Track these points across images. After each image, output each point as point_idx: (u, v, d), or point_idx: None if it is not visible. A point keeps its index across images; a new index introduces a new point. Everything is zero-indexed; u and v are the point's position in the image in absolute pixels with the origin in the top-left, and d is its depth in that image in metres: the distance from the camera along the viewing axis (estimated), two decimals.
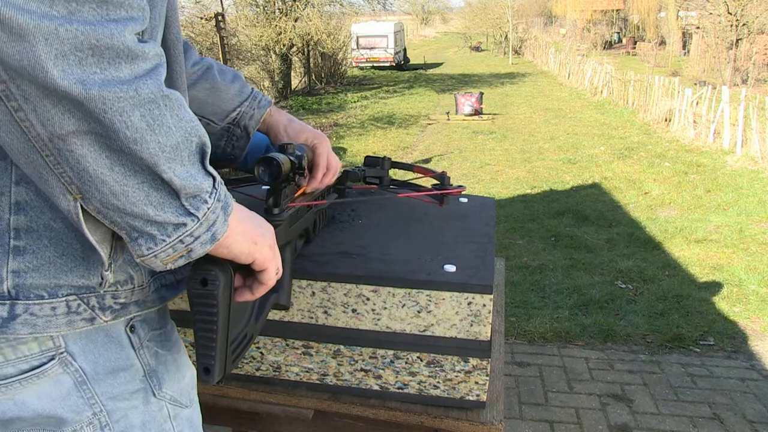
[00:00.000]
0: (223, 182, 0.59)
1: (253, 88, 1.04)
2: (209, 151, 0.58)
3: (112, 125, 0.48)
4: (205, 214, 0.56)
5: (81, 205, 0.52)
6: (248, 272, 0.68)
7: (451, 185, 1.22)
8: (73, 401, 0.63)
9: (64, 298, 0.60)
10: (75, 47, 0.45)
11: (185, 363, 0.78)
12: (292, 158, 0.82)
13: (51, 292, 0.59)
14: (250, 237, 0.64)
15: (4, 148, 0.51)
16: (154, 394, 0.71)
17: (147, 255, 0.55)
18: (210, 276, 0.62)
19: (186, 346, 1.05)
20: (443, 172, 1.22)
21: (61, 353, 0.62)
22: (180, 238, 0.55)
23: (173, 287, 0.72)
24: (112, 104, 0.47)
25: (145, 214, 0.53)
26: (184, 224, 0.55)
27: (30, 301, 0.58)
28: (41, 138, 0.48)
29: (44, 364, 0.61)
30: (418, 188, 1.26)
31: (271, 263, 0.68)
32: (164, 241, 0.55)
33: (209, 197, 0.56)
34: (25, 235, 0.57)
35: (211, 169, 0.58)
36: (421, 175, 1.26)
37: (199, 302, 0.63)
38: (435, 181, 1.24)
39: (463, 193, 1.27)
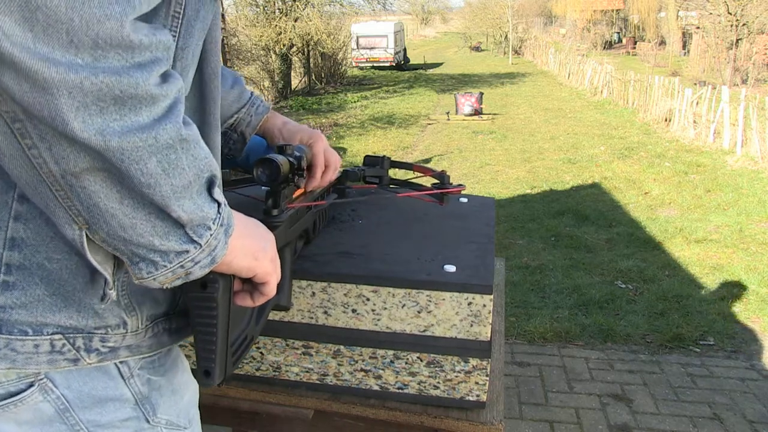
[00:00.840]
0: (227, 205, 0.59)
1: (252, 93, 1.04)
2: (219, 179, 0.57)
3: (128, 172, 0.48)
4: (207, 241, 0.56)
5: (86, 234, 0.52)
6: (246, 280, 0.68)
7: (451, 184, 1.22)
8: (57, 429, 0.61)
9: (48, 337, 0.58)
10: (98, 98, 0.44)
11: (184, 383, 0.75)
12: (290, 159, 0.82)
13: (36, 329, 0.58)
14: (251, 252, 0.64)
15: (12, 177, 0.50)
16: (148, 421, 0.68)
17: (146, 278, 0.55)
18: (209, 279, 0.62)
19: (185, 346, 1.05)
20: (443, 171, 1.22)
21: (41, 380, 0.60)
22: (181, 263, 0.55)
23: (177, 333, 0.70)
24: (130, 153, 0.47)
25: (150, 244, 0.53)
26: (187, 251, 0.55)
27: (12, 336, 0.57)
28: (53, 174, 0.48)
29: (22, 391, 0.59)
30: (418, 187, 1.26)
31: (272, 277, 0.67)
32: (165, 266, 0.55)
33: (212, 224, 0.56)
34: (16, 271, 0.57)
35: (217, 195, 0.57)
36: (420, 175, 1.26)
37: (199, 305, 0.63)
38: (435, 181, 1.24)
39: (463, 192, 1.27)
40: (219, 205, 0.57)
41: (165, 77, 0.49)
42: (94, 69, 0.43)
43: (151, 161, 0.48)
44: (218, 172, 0.57)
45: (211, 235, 0.56)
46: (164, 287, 0.57)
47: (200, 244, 0.55)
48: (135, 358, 0.66)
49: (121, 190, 0.49)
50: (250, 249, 0.64)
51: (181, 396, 0.74)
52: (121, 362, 0.65)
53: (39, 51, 0.41)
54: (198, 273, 0.57)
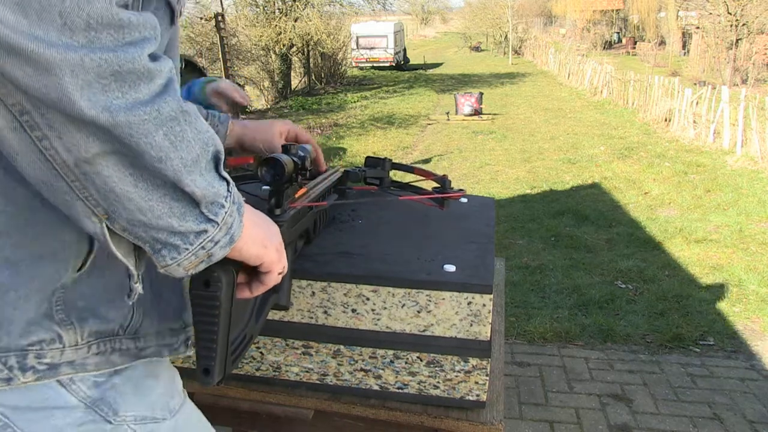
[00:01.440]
0: (234, 184, 0.60)
1: (207, 111, 1.06)
2: (223, 157, 0.58)
3: (138, 147, 0.49)
4: (223, 219, 0.57)
5: (107, 225, 0.53)
6: (249, 271, 0.68)
7: (452, 189, 1.22)
8: None
9: None
10: (99, 75, 0.45)
11: (150, 374, 0.72)
12: (295, 159, 0.82)
13: None
14: (260, 240, 0.64)
15: (26, 178, 0.51)
16: (109, 421, 0.66)
17: (170, 264, 0.56)
18: (213, 278, 0.62)
19: None
20: (444, 175, 1.22)
21: None
22: (202, 244, 0.56)
23: (129, 354, 0.68)
24: (138, 127, 0.48)
25: (169, 226, 0.53)
26: (206, 231, 0.56)
27: None
28: (66, 164, 0.48)
29: None
30: (419, 191, 1.26)
31: (276, 265, 0.68)
32: (187, 249, 0.55)
33: (225, 201, 0.57)
34: None
35: (224, 173, 0.58)
36: (422, 178, 1.26)
37: (201, 303, 0.63)
38: (435, 184, 1.24)
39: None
40: (228, 182, 0.58)
41: (155, 57, 0.50)
42: (91, 48, 0.45)
43: (158, 134, 0.49)
44: (221, 147, 0.58)
45: (225, 212, 0.57)
46: (189, 273, 0.58)
47: (217, 222, 0.56)
48: (80, 375, 0.64)
49: (134, 172, 0.50)
50: (259, 237, 0.65)
51: (150, 389, 0.71)
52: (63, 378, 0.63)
53: (36, 34, 0.43)
54: (219, 254, 0.58)
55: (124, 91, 0.47)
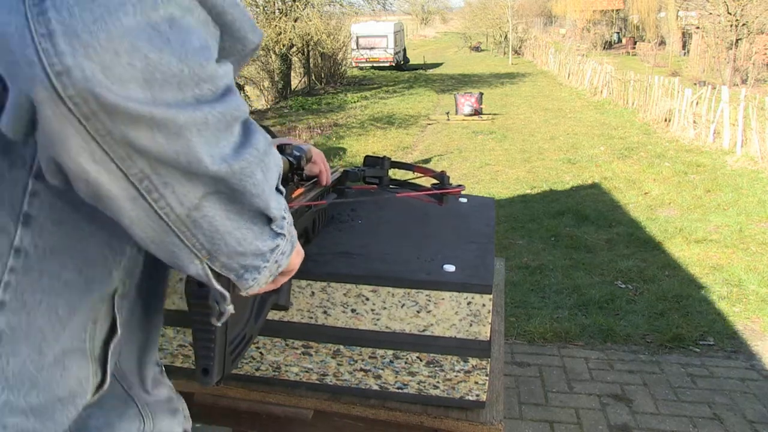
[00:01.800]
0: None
1: None
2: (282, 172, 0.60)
3: (243, 188, 0.50)
4: (288, 229, 0.59)
5: (208, 265, 0.54)
6: None
7: (451, 185, 1.22)
8: None
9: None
10: (217, 129, 0.47)
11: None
12: (290, 159, 0.82)
13: None
14: (297, 248, 0.66)
15: (137, 240, 0.51)
16: None
17: (252, 286, 0.57)
18: None
19: (185, 346, 1.05)
20: (443, 171, 1.22)
21: None
22: (275, 258, 0.58)
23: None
24: (246, 170, 0.49)
25: (256, 249, 0.55)
26: (278, 245, 0.57)
27: None
28: (179, 217, 0.49)
29: None
30: (418, 188, 1.26)
31: (297, 267, 0.69)
32: (265, 267, 0.57)
33: (286, 213, 0.58)
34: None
35: (280, 185, 0.59)
36: (420, 175, 1.26)
37: (198, 303, 0.63)
38: (435, 181, 1.24)
39: (462, 192, 1.27)
40: (282, 192, 0.59)
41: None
42: (205, 104, 0.46)
43: (258, 172, 0.51)
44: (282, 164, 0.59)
45: (287, 222, 0.58)
46: (261, 289, 0.59)
47: (284, 235, 0.58)
48: None
49: (233, 208, 0.51)
50: (296, 245, 0.66)
51: None
52: None
53: (161, 102, 0.43)
54: (284, 263, 0.60)
55: (230, 138, 0.48)
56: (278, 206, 0.56)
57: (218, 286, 0.56)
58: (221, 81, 0.48)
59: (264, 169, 0.52)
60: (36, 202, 0.52)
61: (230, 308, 0.60)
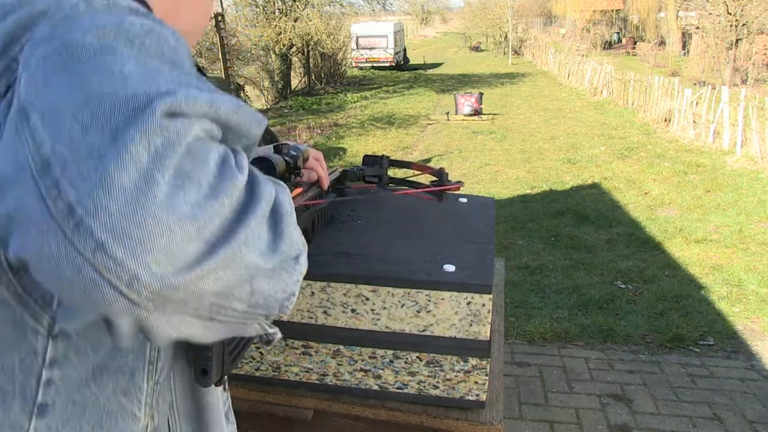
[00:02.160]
0: None
1: None
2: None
3: (286, 264, 0.51)
4: (304, 244, 0.58)
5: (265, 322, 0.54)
6: None
7: (450, 181, 1.21)
8: None
9: None
10: (261, 231, 0.47)
11: None
12: (287, 158, 0.81)
13: None
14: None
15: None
16: None
17: (289, 308, 0.57)
18: None
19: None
20: (441, 168, 1.22)
21: None
22: (298, 279, 0.57)
23: None
24: (288, 251, 0.50)
25: (295, 282, 0.55)
26: (302, 264, 0.57)
27: None
28: (242, 312, 0.49)
29: None
30: (417, 185, 1.26)
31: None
32: (295, 290, 0.56)
33: (301, 236, 0.59)
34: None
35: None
36: (419, 173, 1.26)
37: None
38: (434, 179, 1.24)
39: (461, 191, 1.27)
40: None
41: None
42: (243, 215, 0.45)
43: (294, 233, 0.52)
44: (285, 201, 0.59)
45: (303, 241, 0.59)
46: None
47: (303, 251, 0.58)
48: None
49: (275, 274, 0.51)
50: None
51: None
52: None
53: (216, 247, 0.43)
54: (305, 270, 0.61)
55: (271, 230, 0.49)
56: (300, 239, 0.55)
57: (271, 330, 0.56)
58: (243, 179, 0.46)
59: (294, 227, 0.52)
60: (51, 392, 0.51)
61: (279, 335, 0.60)
